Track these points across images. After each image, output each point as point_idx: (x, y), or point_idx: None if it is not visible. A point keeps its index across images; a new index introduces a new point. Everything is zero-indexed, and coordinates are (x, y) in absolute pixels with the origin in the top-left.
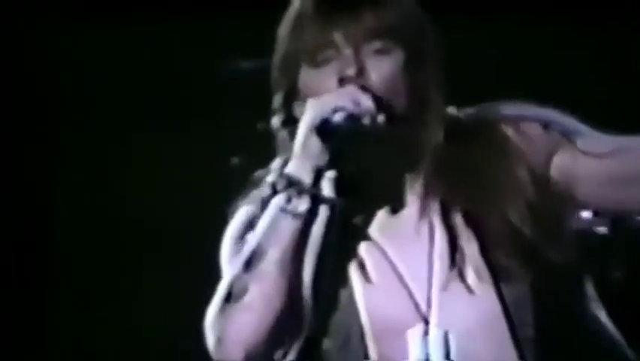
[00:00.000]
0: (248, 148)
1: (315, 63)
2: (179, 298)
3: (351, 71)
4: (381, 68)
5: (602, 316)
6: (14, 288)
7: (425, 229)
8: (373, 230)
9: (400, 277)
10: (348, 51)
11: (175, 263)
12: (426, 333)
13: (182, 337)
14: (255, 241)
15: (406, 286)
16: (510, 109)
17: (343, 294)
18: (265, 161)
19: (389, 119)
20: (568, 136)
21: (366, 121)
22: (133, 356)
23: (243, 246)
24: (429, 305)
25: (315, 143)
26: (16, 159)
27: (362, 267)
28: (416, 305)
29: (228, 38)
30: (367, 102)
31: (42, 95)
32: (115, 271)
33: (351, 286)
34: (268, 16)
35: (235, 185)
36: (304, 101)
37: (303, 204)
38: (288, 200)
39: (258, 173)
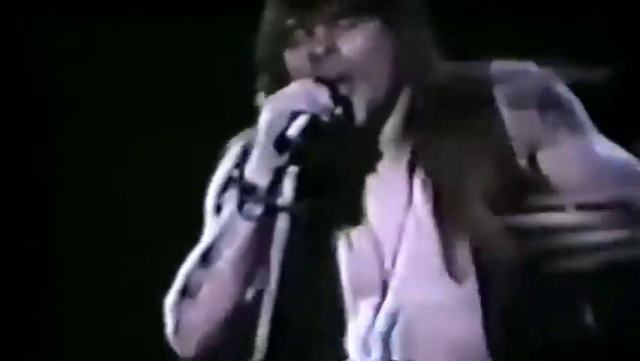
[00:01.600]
0: None
1: (291, 44)
2: None
3: (319, 50)
4: (353, 41)
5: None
6: (14, 288)
7: (405, 192)
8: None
9: (373, 232)
10: (317, 30)
11: (175, 263)
12: (379, 307)
13: None
14: (212, 238)
15: (375, 239)
16: (509, 68)
17: (324, 265)
18: None
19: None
20: (562, 122)
21: (325, 117)
22: (133, 357)
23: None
24: (393, 264)
25: (273, 151)
26: (16, 160)
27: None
28: (381, 261)
29: (228, 38)
30: (323, 98)
31: (42, 95)
32: (115, 272)
33: (335, 257)
34: None
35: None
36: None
37: (257, 209)
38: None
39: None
